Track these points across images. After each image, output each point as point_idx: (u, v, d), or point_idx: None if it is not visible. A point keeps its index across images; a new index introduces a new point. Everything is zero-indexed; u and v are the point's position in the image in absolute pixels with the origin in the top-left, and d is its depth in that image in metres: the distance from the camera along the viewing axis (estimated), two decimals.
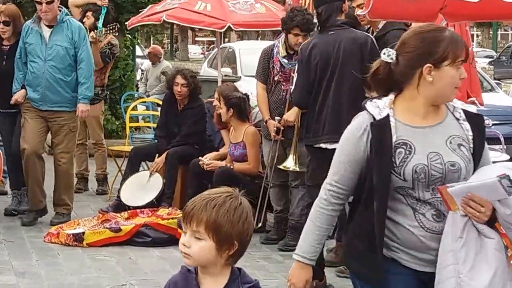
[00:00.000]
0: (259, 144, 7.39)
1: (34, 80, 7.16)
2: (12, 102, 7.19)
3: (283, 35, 6.95)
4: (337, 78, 5.75)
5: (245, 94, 7.55)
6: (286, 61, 6.85)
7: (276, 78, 6.92)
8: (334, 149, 5.60)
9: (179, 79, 7.92)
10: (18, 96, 7.20)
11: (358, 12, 5.29)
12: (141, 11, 11.24)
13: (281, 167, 6.79)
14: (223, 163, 7.42)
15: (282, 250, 6.74)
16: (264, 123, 7.00)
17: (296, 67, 6.07)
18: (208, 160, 7.45)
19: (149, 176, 7.86)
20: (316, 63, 5.80)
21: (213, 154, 7.64)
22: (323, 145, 5.72)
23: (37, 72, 7.14)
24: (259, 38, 33.92)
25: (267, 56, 7.01)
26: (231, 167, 7.31)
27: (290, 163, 6.73)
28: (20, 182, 7.53)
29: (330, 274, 5.99)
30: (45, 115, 7.24)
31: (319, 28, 5.99)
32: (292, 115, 6.72)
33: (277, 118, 6.82)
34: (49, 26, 7.22)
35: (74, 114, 7.26)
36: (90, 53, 7.45)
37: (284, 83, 6.89)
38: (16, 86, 7.19)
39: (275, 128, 6.79)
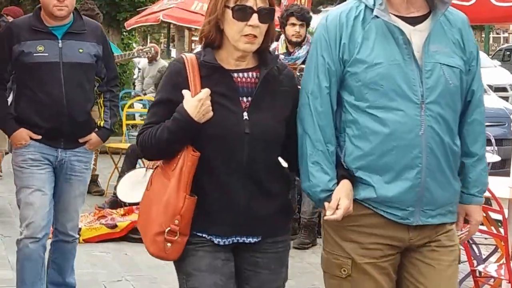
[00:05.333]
0: None
1: (400, 155, 2.89)
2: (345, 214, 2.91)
3: (283, 35, 7.00)
4: None
5: None
6: (282, 56, 6.84)
7: None
8: None
9: None
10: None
11: None
12: (138, 10, 11.32)
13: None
14: None
15: (297, 248, 6.80)
16: None
17: None
18: None
19: (145, 173, 7.92)
20: None
21: None
22: None
23: (407, 137, 2.87)
24: None
25: None
26: None
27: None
28: None
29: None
30: (415, 241, 3.03)
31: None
32: None
33: None
34: (410, 21, 2.96)
35: None
36: None
37: None
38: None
39: None
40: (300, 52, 6.84)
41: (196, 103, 2.85)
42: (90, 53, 4.59)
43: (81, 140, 4.65)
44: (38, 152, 4.57)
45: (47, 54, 4.48)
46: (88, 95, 4.65)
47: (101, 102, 4.85)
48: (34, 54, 4.47)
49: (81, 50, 4.56)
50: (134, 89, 14.45)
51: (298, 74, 6.81)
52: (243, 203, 2.92)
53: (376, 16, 2.92)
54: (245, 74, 2.99)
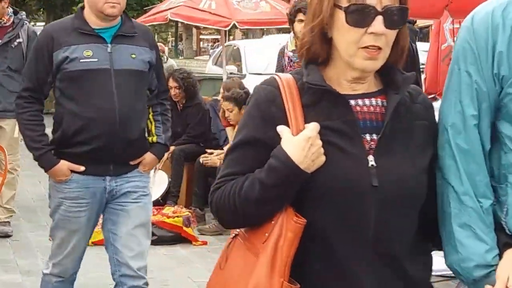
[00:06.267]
0: None
1: None
2: None
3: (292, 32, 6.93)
4: None
5: (246, 91, 7.56)
6: (292, 53, 6.76)
7: None
8: None
9: (171, 82, 7.99)
10: None
11: None
12: (145, 9, 11.25)
13: None
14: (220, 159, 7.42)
15: None
16: None
17: None
18: (205, 157, 7.49)
19: (154, 174, 7.86)
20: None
21: (219, 152, 7.65)
22: None
23: None
24: (263, 36, 33.91)
25: (281, 54, 6.97)
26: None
27: None
28: None
29: None
30: None
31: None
32: None
33: None
34: None
35: None
36: None
37: None
38: None
39: None
40: None
41: (303, 143, 1.90)
42: (143, 59, 3.95)
43: (132, 163, 4.00)
44: (81, 188, 3.92)
45: (96, 60, 3.81)
46: (143, 109, 4.01)
47: (151, 116, 4.20)
48: (81, 60, 3.80)
49: (133, 56, 3.91)
50: None
51: None
52: None
53: None
54: (366, 102, 2.02)
